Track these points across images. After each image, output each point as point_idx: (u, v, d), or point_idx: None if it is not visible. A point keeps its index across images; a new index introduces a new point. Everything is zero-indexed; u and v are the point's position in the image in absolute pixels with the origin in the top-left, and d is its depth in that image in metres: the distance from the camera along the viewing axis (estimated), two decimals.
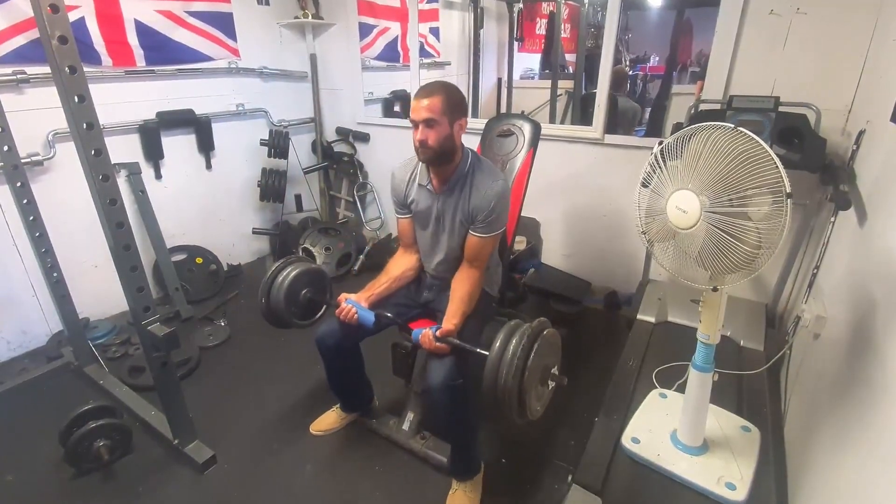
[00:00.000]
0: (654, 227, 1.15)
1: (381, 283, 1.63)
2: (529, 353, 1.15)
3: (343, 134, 3.52)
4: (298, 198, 3.53)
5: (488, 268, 1.61)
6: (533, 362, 1.14)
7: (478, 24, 4.19)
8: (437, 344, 1.37)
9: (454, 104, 1.40)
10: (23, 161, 1.90)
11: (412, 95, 1.43)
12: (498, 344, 1.18)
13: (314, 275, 1.71)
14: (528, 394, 1.15)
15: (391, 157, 3.47)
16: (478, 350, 1.28)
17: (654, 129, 3.78)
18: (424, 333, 1.40)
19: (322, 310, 1.75)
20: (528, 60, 5.43)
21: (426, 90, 1.39)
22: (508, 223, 1.76)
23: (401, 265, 1.69)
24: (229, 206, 3.15)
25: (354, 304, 1.53)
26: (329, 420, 1.85)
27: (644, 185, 1.16)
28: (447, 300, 1.54)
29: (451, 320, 1.43)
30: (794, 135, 1.77)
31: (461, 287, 1.51)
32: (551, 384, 1.25)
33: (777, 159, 0.94)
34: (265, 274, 1.65)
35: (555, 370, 1.25)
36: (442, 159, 1.45)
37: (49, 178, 2.26)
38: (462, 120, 1.44)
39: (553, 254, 2.84)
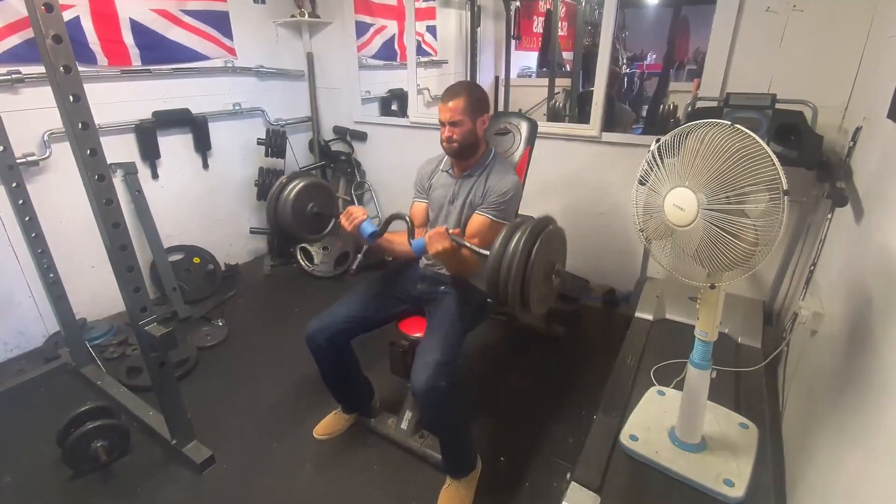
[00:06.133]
0: (651, 224, 1.15)
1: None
2: (532, 247, 1.12)
3: (340, 133, 3.51)
4: None
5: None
6: (536, 256, 1.11)
7: (475, 22, 4.18)
8: (445, 244, 1.35)
9: (475, 103, 1.54)
10: (18, 161, 1.90)
11: (440, 98, 1.56)
12: (500, 241, 1.15)
13: (320, 189, 1.66)
14: (530, 287, 1.11)
15: (389, 155, 3.49)
16: (480, 251, 1.27)
17: (652, 127, 3.78)
18: (434, 231, 1.36)
19: (331, 223, 1.70)
20: (526, 59, 5.43)
21: (450, 93, 1.54)
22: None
23: (405, 241, 1.70)
24: (226, 205, 3.14)
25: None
26: (332, 423, 1.84)
27: (641, 183, 1.15)
28: (440, 294, 1.53)
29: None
30: (790, 132, 1.77)
31: None
32: (556, 280, 1.22)
33: (774, 156, 0.94)
34: (270, 191, 1.59)
35: (559, 266, 1.22)
36: (466, 152, 1.59)
37: (45, 178, 2.25)
38: (484, 116, 1.58)
39: None
